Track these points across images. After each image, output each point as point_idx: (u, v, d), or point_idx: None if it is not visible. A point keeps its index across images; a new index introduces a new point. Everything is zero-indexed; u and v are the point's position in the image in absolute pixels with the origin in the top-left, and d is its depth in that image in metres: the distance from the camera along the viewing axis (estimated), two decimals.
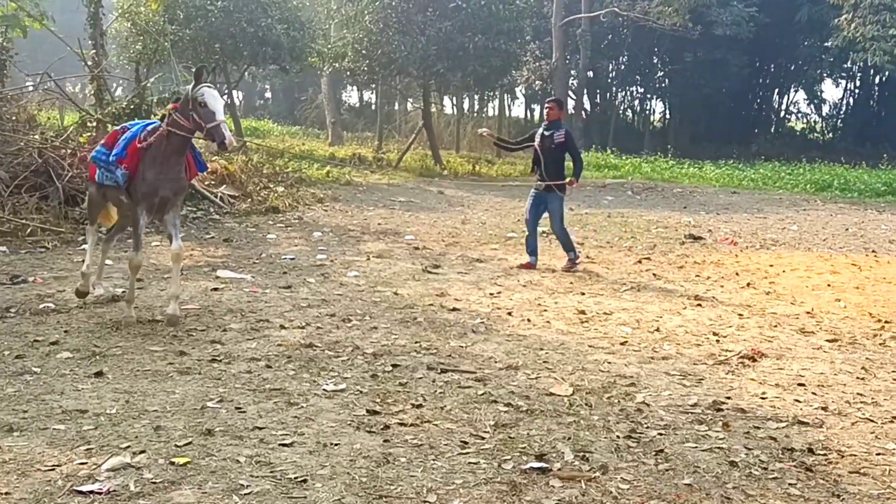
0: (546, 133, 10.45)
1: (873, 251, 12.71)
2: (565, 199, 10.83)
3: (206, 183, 14.22)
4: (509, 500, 4.11)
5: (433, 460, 4.54)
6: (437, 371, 6.11)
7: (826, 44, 33.85)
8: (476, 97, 38.67)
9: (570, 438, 4.90)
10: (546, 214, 10.71)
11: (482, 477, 4.36)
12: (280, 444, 4.66)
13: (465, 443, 4.80)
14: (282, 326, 7.20)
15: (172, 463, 4.36)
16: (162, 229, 7.98)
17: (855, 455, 4.81)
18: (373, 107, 46.82)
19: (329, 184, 19.33)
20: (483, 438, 4.88)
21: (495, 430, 5.02)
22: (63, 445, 4.54)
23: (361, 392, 5.60)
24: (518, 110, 50.92)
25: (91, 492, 4.02)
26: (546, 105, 10.80)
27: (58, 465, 4.30)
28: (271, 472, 4.32)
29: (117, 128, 7.34)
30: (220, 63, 21.28)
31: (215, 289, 8.56)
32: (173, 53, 16.48)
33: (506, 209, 16.65)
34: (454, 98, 36.96)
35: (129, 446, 4.55)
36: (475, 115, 37.81)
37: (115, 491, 4.04)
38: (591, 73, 37.26)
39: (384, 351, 6.56)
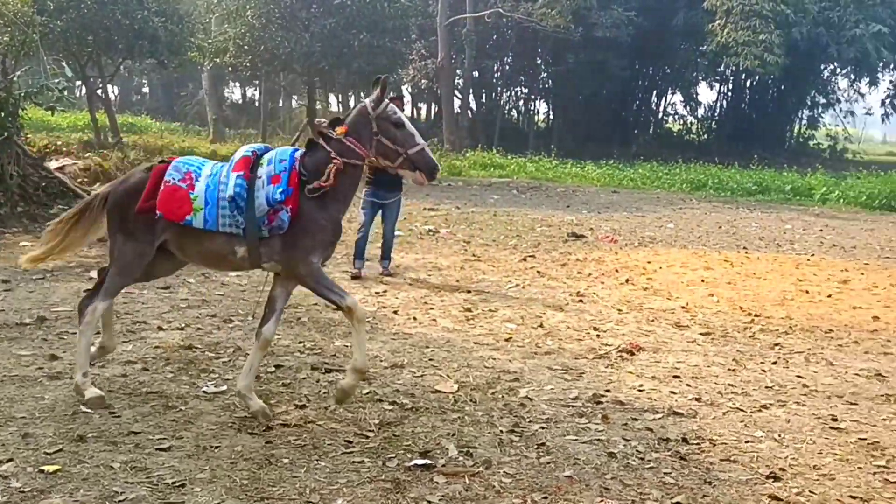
0: None
1: (744, 248, 13.27)
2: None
3: (79, 181, 13.66)
4: (393, 498, 4.10)
5: (317, 460, 4.49)
6: (322, 371, 6.05)
7: (701, 48, 35.19)
8: (362, 95, 38.49)
9: (454, 434, 4.93)
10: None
11: (366, 476, 4.33)
12: (157, 449, 4.52)
13: (350, 442, 4.76)
14: (160, 328, 6.99)
15: (42, 471, 4.17)
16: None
17: (726, 443, 5.00)
18: (256, 103, 46.03)
19: None
20: (367, 437, 4.85)
21: (380, 428, 4.99)
22: None
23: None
24: (405, 108, 51.00)
25: None
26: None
27: None
28: (147, 477, 4.18)
29: (246, 152, 5.21)
30: (94, 56, 20.49)
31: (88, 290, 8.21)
32: (42, 46, 15.74)
33: None
34: (339, 96, 36.72)
35: None
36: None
37: None
38: (476, 73, 37.60)
39: (267, 352, 6.42)
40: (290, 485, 4.17)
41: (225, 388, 5.55)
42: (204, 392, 5.46)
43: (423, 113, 48.35)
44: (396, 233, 12.90)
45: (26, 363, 5.89)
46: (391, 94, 5.44)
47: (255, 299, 8.14)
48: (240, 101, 49.05)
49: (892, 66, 39.88)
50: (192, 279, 8.98)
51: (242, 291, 8.53)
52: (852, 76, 41.84)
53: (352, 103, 38.39)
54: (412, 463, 4.48)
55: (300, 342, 6.76)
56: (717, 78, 43.34)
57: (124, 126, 30.08)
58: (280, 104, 40.94)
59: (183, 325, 7.12)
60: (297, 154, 5.14)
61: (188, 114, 41.71)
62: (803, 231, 15.87)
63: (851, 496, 4.30)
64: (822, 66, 41.17)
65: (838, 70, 42.00)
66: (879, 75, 41.69)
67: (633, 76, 39.71)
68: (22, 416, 4.88)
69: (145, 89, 55.28)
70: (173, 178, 5.00)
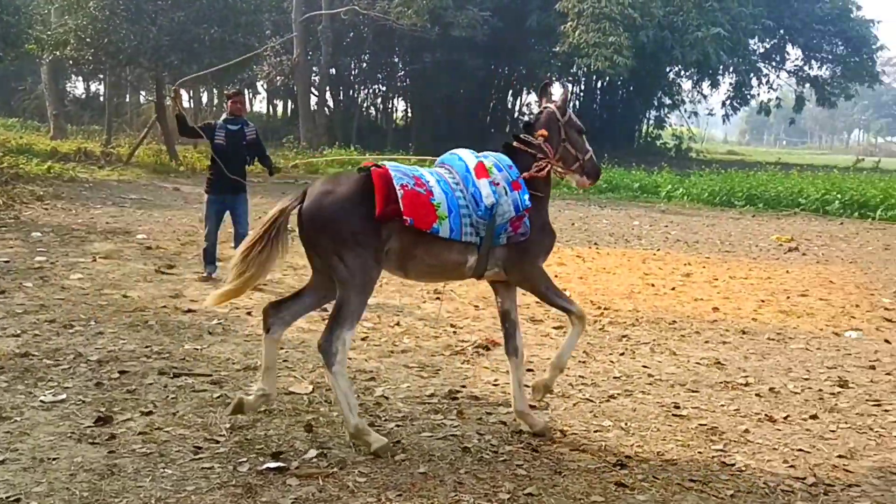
0: (233, 128, 9.31)
1: (595, 244, 13.68)
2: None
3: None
4: (244, 503, 3.99)
5: (163, 468, 4.32)
6: (170, 376, 5.83)
7: (555, 49, 36.13)
8: (214, 91, 37.51)
9: (310, 436, 4.84)
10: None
11: (216, 482, 4.20)
12: None
13: (199, 448, 4.61)
14: None
15: None
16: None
17: (576, 434, 5.13)
18: (101, 98, 44.03)
19: (50, 180, 17.98)
20: (218, 442, 4.70)
21: (231, 432, 4.86)
22: None
23: (84, 402, 5.22)
24: (260, 105, 50.16)
25: None
26: (232, 98, 9.55)
27: None
28: None
29: (479, 158, 5.04)
30: None
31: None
32: None
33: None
34: (191, 91, 35.64)
35: None
36: (214, 109, 36.63)
37: None
38: (333, 70, 37.30)
39: (110, 357, 6.15)
40: (134, 495, 4.00)
41: (64, 396, 5.26)
42: (41, 402, 5.16)
43: (279, 110, 47.67)
44: (250, 232, 12.64)
45: None
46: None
47: (97, 303, 7.80)
48: (83, 96, 46.82)
49: (731, 70, 42.15)
50: (30, 283, 8.50)
51: (85, 295, 8.11)
52: (695, 78, 43.87)
53: (205, 99, 37.42)
54: (264, 466, 4.37)
55: (147, 346, 6.49)
56: (570, 78, 44.63)
57: None
58: (127, 99, 39.28)
59: (19, 331, 6.71)
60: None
61: (26, 109, 39.49)
62: (650, 227, 16.51)
63: (692, 479, 4.48)
64: (668, 69, 43.09)
65: (682, 72, 44.01)
66: (720, 77, 43.94)
67: (490, 75, 40.38)
68: None
69: None
70: (408, 183, 4.62)
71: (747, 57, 43.65)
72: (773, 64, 50.44)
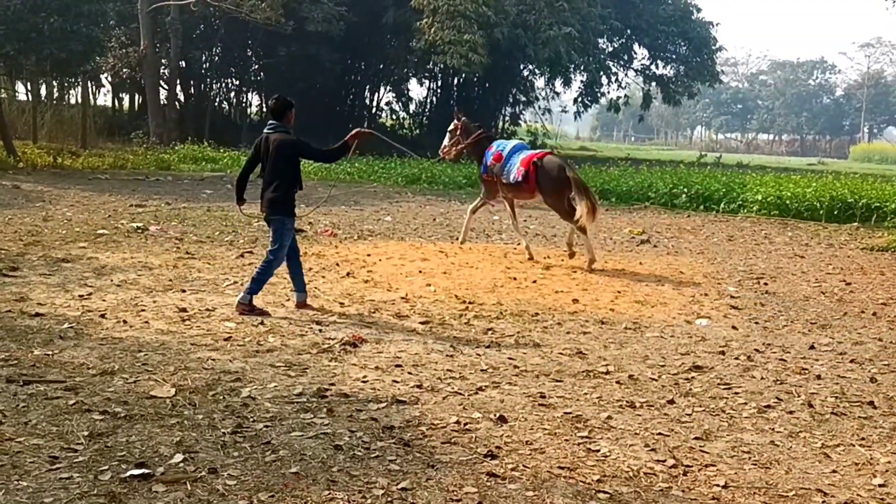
0: None
1: (457, 239, 13.80)
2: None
3: None
4: None
5: (17, 480, 4.10)
6: (19, 383, 5.51)
7: (411, 45, 36.22)
8: (55, 83, 35.69)
9: (175, 441, 4.68)
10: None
11: (76, 492, 4.01)
12: None
13: (56, 457, 4.39)
14: None
15: None
16: None
17: (446, 427, 5.17)
18: None
19: None
20: (76, 451, 4.49)
21: (90, 440, 4.65)
22: None
23: None
24: (105, 99, 48.05)
25: None
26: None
27: None
28: None
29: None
30: None
31: None
32: None
33: (95, 204, 15.52)
34: (29, 83, 33.73)
35: None
36: (55, 102, 34.83)
37: None
38: (183, 63, 36.11)
39: None
40: None
41: None
42: None
43: (126, 104, 45.80)
44: (99, 231, 12.14)
45: None
46: None
47: None
48: None
49: (581, 68, 43.44)
50: None
51: None
52: (548, 75, 44.99)
53: (43, 91, 35.51)
54: (128, 474, 4.20)
55: None
56: (427, 75, 44.93)
57: None
58: None
59: None
60: None
61: None
62: (509, 222, 16.80)
63: (560, 467, 4.60)
64: (522, 66, 44.04)
65: (536, 70, 45.05)
66: (572, 76, 45.22)
67: (347, 71, 40.13)
68: None
69: None
70: None
71: (597, 56, 45.14)
72: (622, 63, 52.38)
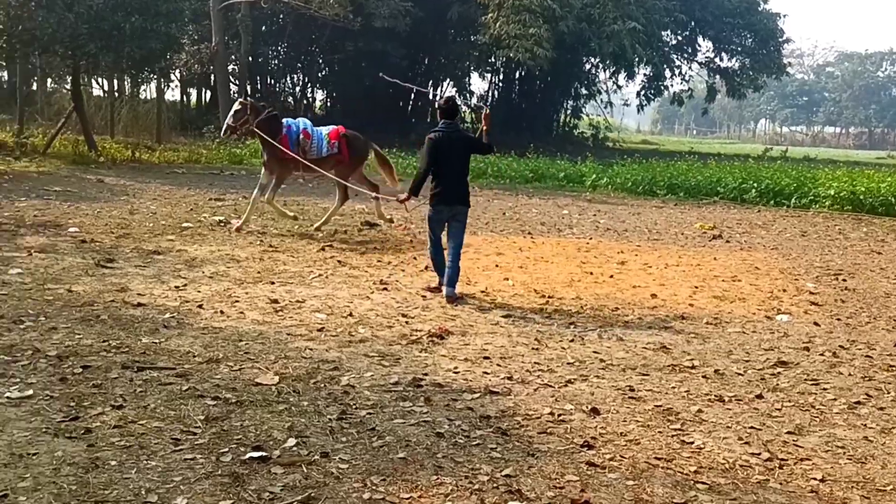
0: None
1: (529, 233, 13.96)
2: (430, 218, 9.08)
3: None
4: (234, 492, 4.08)
5: (146, 460, 4.37)
6: (134, 370, 5.81)
7: (474, 39, 36.35)
8: (128, 79, 36.58)
9: (286, 426, 4.93)
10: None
11: (201, 472, 4.27)
12: None
13: (178, 440, 4.66)
14: None
15: None
16: None
17: (541, 418, 5.33)
18: (4, 86, 42.42)
19: None
20: (195, 434, 4.76)
21: (207, 424, 4.91)
22: None
23: (52, 397, 5.19)
24: (173, 94, 49.07)
25: None
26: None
27: None
28: None
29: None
30: None
31: None
32: None
33: (176, 197, 16.00)
34: (104, 80, 34.68)
35: None
36: (129, 98, 35.73)
37: None
38: (254, 59, 36.78)
39: (70, 352, 6.10)
40: (123, 486, 4.04)
41: (31, 392, 5.22)
42: (8, 398, 5.12)
43: (193, 99, 46.71)
44: (184, 224, 12.54)
45: None
46: None
47: (43, 298, 7.69)
48: None
49: (645, 61, 43.12)
50: None
51: (28, 290, 7.95)
52: (612, 69, 44.77)
53: (116, 87, 36.41)
54: (247, 456, 4.46)
55: (104, 341, 6.44)
56: (489, 69, 45.05)
57: None
58: (34, 87, 37.89)
59: None
60: None
61: None
62: (579, 216, 16.90)
63: (657, 458, 4.74)
64: (584, 60, 43.88)
65: (599, 64, 44.85)
66: (636, 69, 44.92)
67: (411, 66, 40.41)
68: None
69: None
70: None
71: (660, 49, 44.77)
72: (685, 56, 51.89)
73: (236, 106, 12.81)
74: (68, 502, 3.85)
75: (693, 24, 47.29)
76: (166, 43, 22.25)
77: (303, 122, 13.02)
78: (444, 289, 8.75)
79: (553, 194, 21.27)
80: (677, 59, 51.00)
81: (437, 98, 38.55)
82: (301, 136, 12.45)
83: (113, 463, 4.30)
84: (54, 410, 4.97)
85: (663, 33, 45.03)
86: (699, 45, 51.17)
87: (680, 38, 49.96)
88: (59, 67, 27.42)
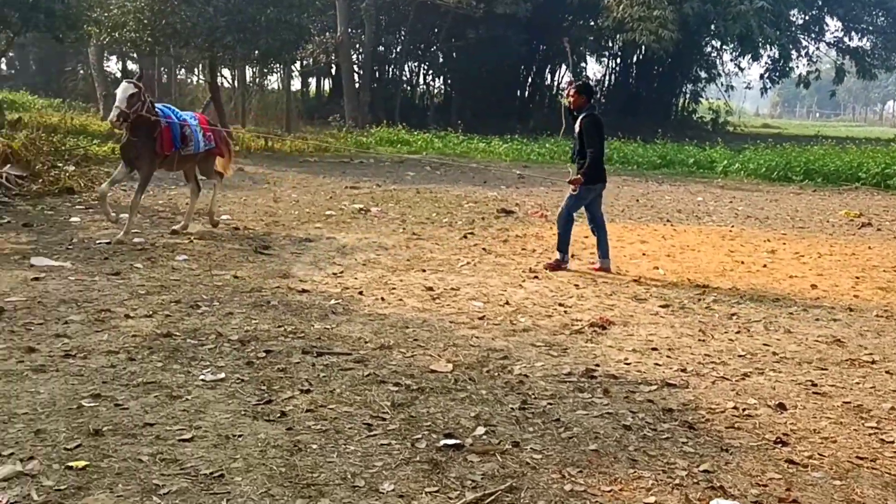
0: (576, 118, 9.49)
1: (668, 220, 13.71)
2: (581, 196, 9.52)
3: None
4: (436, 479, 4.13)
5: (344, 445, 4.47)
6: (313, 355, 5.97)
7: (595, 24, 35.82)
8: (256, 70, 37.64)
9: (471, 414, 4.97)
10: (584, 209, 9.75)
11: (399, 458, 4.34)
12: (180, 440, 4.41)
13: (370, 425, 4.75)
14: (127, 316, 6.75)
15: (69, 467, 4.03)
16: None
17: (725, 412, 5.22)
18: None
19: (116, 161, 18.10)
20: (385, 419, 4.85)
21: (394, 409, 5.00)
22: None
23: (243, 381, 5.38)
24: (295, 84, 50.25)
25: None
26: (566, 92, 9.81)
27: None
28: (181, 469, 4.09)
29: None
30: None
31: (35, 278, 7.86)
32: None
33: (313, 186, 16.40)
34: (235, 70, 35.76)
35: (12, 453, 4.15)
36: (256, 88, 36.76)
37: (16, 503, 3.69)
38: (381, 48, 37.30)
39: (250, 337, 6.32)
40: (329, 470, 4.15)
41: (223, 375, 5.43)
42: (203, 381, 5.34)
43: (311, 88, 47.68)
44: (327, 212, 12.82)
45: (3, 356, 5.61)
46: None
47: (213, 284, 7.99)
48: (119, 77, 47.07)
49: (771, 42, 41.67)
50: (139, 264, 8.71)
51: (197, 276, 8.30)
52: (738, 51, 43.48)
53: (248, 78, 37.50)
54: (442, 443, 4.51)
55: (279, 326, 6.64)
56: (605, 54, 44.41)
57: (5, 102, 28.66)
58: (164, 79, 39.43)
59: (150, 312, 6.89)
60: None
61: (71, 90, 39.85)
62: (715, 203, 16.50)
63: (858, 457, 4.57)
64: (706, 42, 42.73)
65: (722, 46, 43.62)
66: (761, 51, 43.46)
67: (530, 52, 40.22)
68: (24, 411, 4.68)
69: (17, 63, 52.40)
70: None
71: (787, 29, 43.15)
72: (813, 36, 49.88)
73: (131, 89, 9.78)
74: (282, 484, 3.98)
75: (821, 2, 45.42)
76: (298, 33, 22.84)
77: (173, 110, 10.77)
78: (600, 262, 9.52)
79: (683, 180, 20.84)
80: (804, 39, 49.07)
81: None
82: (183, 130, 10.45)
83: (314, 446, 4.42)
84: (248, 394, 5.15)
85: (790, 13, 43.37)
86: (827, 25, 49.14)
87: (807, 17, 47.99)
88: (196, 59, 28.35)
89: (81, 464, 4.07)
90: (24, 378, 5.23)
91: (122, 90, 9.81)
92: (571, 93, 9.52)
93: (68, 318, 6.61)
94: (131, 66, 46.71)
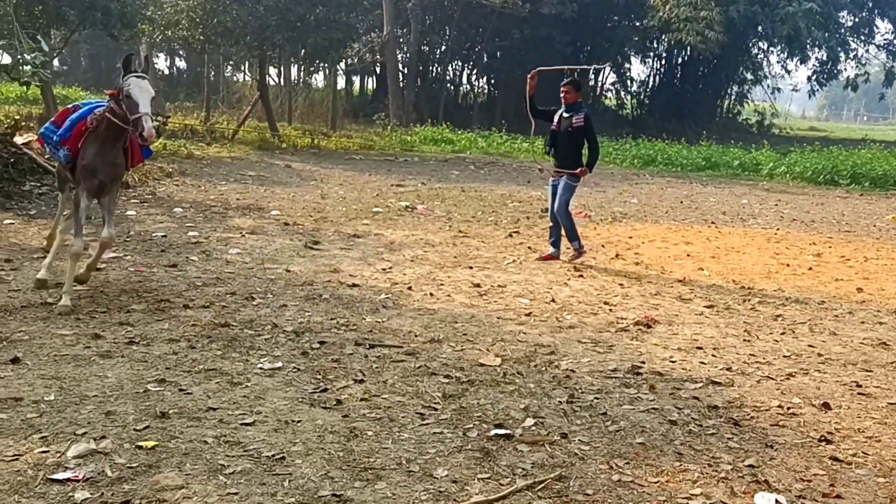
0: (566, 115, 9.93)
1: (712, 222, 13.73)
2: (578, 187, 10.37)
3: (47, 156, 13.34)
4: (487, 466, 4.29)
5: (398, 432, 4.64)
6: (366, 346, 6.16)
7: (640, 24, 35.66)
8: (303, 68, 38.07)
9: (520, 406, 5.12)
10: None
11: (452, 446, 4.50)
12: (242, 424, 4.62)
13: (422, 414, 4.92)
14: (185, 306, 7.00)
15: (139, 446, 4.25)
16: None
17: (770, 410, 5.31)
18: (184, 75, 45.03)
19: (168, 156, 18.57)
20: (437, 409, 5.01)
21: (445, 400, 5.16)
22: (14, 435, 4.31)
23: (299, 370, 5.59)
24: (339, 82, 50.61)
25: (67, 480, 3.87)
26: (562, 88, 10.12)
27: (19, 455, 4.09)
28: (245, 451, 4.29)
29: (69, 106, 7.14)
30: (43, 28, 19.81)
31: (97, 269, 8.14)
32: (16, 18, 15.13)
33: (359, 183, 16.64)
34: (281, 69, 36.22)
35: (85, 432, 4.38)
36: (302, 86, 37.18)
37: (92, 478, 3.91)
38: (426, 48, 37.52)
39: (304, 328, 6.53)
40: (384, 456, 4.32)
41: (280, 364, 5.64)
42: (261, 369, 5.55)
43: (356, 87, 47.99)
44: (374, 209, 13.03)
45: (71, 342, 5.88)
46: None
47: (266, 277, 8.22)
48: (166, 74, 47.89)
49: (820, 44, 41.19)
50: (195, 257, 8.97)
51: (250, 269, 8.54)
52: (786, 53, 43.03)
53: (294, 76, 37.94)
54: (492, 433, 4.67)
55: (332, 318, 6.85)
56: (650, 54, 44.16)
57: (59, 98, 29.29)
58: (211, 76, 39.99)
59: (207, 302, 7.13)
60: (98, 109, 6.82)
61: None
62: (760, 205, 16.45)
63: None
64: (752, 43, 42.33)
65: (769, 47, 43.20)
66: (809, 52, 42.97)
67: (574, 52, 40.14)
68: (94, 394, 4.92)
69: (69, 59, 53.43)
70: None
71: (836, 31, 42.60)
72: (862, 38, 49.16)
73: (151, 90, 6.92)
74: (340, 468, 4.16)
75: (871, 4, 44.77)
76: (346, 32, 23.10)
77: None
78: (553, 251, 9.99)
79: (728, 183, 20.77)
80: (853, 41, 48.36)
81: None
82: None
83: (370, 433, 4.60)
84: (304, 382, 5.35)
85: (839, 14, 42.80)
86: (877, 27, 48.37)
87: (857, 19, 47.30)
88: (245, 57, 28.78)
89: (151, 444, 4.29)
90: (92, 363, 5.48)
91: (145, 92, 6.59)
92: (568, 89, 9.95)
93: (130, 307, 6.88)
94: (179, 63, 47.67)
